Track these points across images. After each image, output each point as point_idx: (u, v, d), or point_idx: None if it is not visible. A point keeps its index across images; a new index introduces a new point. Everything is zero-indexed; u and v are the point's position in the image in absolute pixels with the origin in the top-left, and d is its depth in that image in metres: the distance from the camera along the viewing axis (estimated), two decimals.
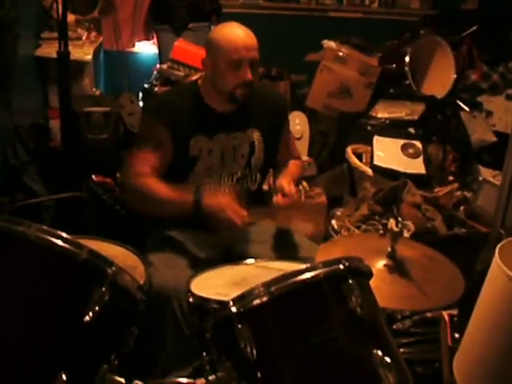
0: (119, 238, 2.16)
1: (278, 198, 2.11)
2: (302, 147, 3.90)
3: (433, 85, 4.06)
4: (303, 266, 1.29)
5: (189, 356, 1.80)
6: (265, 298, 1.22)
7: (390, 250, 1.76)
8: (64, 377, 1.14)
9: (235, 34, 2.08)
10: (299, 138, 3.96)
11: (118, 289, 1.25)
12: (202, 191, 2.03)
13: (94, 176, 2.80)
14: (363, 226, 3.06)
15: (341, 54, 4.01)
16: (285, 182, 2.16)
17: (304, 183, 3.63)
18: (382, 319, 1.33)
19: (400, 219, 1.82)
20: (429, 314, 2.32)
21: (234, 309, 1.21)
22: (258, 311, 1.22)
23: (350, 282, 1.25)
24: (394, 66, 4.07)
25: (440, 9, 4.74)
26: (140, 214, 2.23)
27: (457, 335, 1.91)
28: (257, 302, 1.22)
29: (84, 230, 2.65)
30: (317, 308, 1.24)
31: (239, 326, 1.20)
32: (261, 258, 2.02)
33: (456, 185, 3.30)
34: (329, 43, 4.05)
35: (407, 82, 3.93)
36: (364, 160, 3.51)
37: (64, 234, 1.24)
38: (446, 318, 2.08)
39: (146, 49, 4.75)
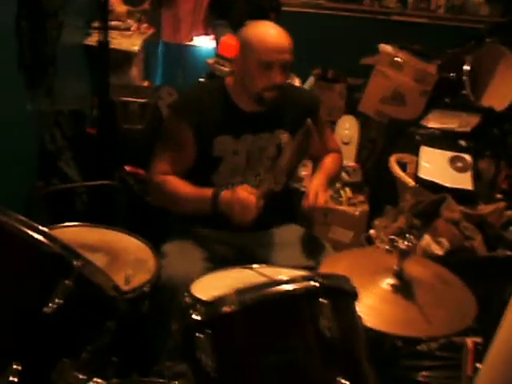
0: (145, 229, 2.19)
1: (305, 203, 2.05)
2: (350, 153, 3.80)
3: (493, 96, 3.84)
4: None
5: None
6: (232, 307, 1.17)
7: (396, 268, 1.67)
8: (18, 367, 1.13)
9: (268, 34, 2.02)
10: (347, 143, 3.86)
11: (85, 283, 1.24)
12: (222, 189, 2.02)
13: (126, 166, 2.82)
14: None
15: (397, 59, 3.87)
16: (313, 186, 2.09)
17: (347, 190, 3.54)
18: (360, 345, 1.23)
19: (414, 235, 1.72)
20: (456, 339, 2.20)
21: (195, 316, 1.17)
22: (220, 321, 1.18)
23: (323, 301, 1.17)
24: (453, 74, 3.89)
25: (510, 16, 4.49)
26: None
27: (478, 365, 1.80)
28: (224, 310, 1.17)
29: (113, 218, 2.68)
30: (283, 325, 1.17)
31: (199, 334, 1.16)
32: (279, 263, 2.00)
33: (503, 203, 3.10)
34: (385, 47, 3.90)
35: (464, 92, 3.75)
36: (408, 170, 3.36)
37: (40, 227, 1.24)
38: (470, 345, 1.96)
39: (204, 43, 4.76)
